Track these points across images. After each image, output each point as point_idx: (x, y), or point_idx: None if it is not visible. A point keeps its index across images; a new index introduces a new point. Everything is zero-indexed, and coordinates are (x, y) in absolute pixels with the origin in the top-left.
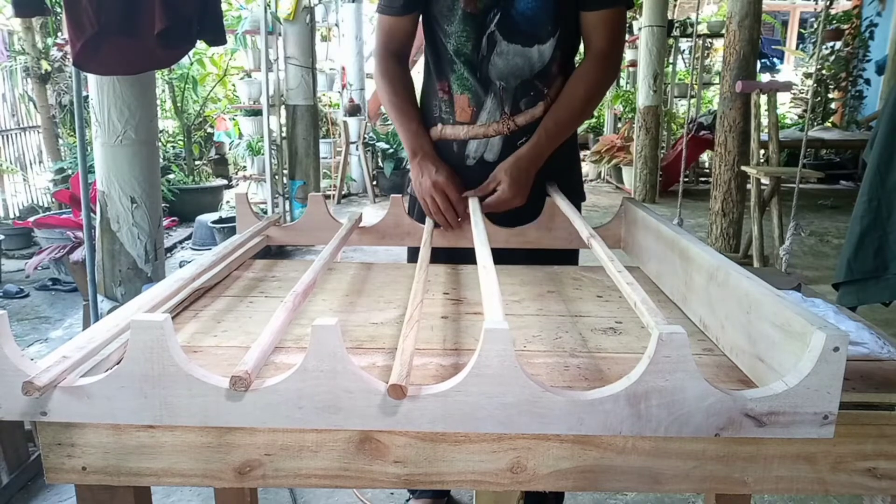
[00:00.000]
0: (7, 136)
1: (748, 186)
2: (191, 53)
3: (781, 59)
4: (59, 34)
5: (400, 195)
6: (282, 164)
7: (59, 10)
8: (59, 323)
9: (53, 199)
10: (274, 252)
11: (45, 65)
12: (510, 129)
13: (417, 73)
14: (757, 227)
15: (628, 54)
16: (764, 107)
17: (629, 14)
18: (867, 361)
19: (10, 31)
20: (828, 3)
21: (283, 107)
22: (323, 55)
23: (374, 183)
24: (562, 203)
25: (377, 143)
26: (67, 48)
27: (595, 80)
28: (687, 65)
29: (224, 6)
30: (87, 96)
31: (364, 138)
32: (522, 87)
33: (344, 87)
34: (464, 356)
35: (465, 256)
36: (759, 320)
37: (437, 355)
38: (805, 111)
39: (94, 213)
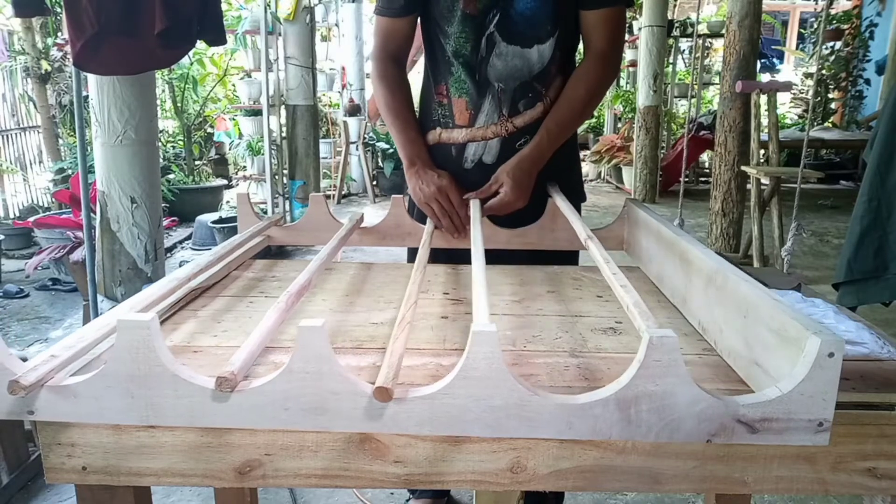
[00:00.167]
0: (7, 136)
1: (748, 186)
2: (191, 53)
3: (781, 59)
4: (59, 34)
5: (400, 195)
6: (282, 164)
7: (59, 10)
8: (59, 323)
9: (53, 199)
10: (274, 252)
11: (45, 65)
12: (508, 131)
13: (417, 74)
14: (757, 227)
15: (628, 54)
16: (764, 107)
17: (629, 14)
18: (867, 361)
19: (10, 31)
20: (828, 3)
21: (283, 107)
22: (323, 55)
23: (374, 183)
24: (561, 204)
25: (377, 143)
26: (67, 48)
27: (595, 80)
28: (687, 65)
29: (224, 6)
30: (87, 96)
31: (364, 138)
32: (521, 89)
33: (344, 87)
34: None
35: (466, 257)
36: (756, 324)
37: (437, 355)
38: (805, 111)
39: (94, 213)
